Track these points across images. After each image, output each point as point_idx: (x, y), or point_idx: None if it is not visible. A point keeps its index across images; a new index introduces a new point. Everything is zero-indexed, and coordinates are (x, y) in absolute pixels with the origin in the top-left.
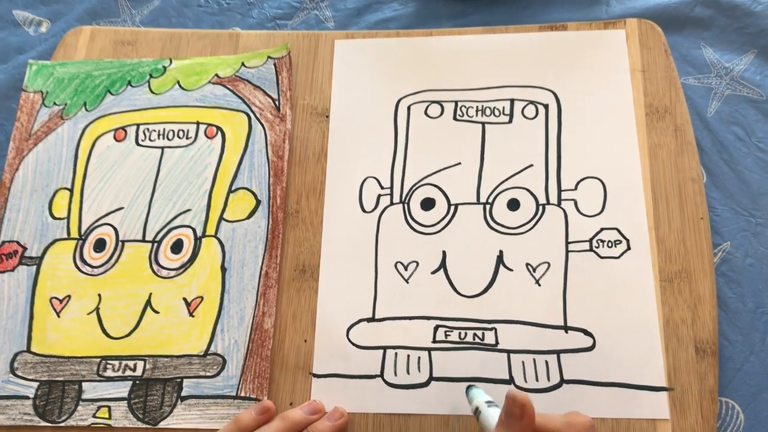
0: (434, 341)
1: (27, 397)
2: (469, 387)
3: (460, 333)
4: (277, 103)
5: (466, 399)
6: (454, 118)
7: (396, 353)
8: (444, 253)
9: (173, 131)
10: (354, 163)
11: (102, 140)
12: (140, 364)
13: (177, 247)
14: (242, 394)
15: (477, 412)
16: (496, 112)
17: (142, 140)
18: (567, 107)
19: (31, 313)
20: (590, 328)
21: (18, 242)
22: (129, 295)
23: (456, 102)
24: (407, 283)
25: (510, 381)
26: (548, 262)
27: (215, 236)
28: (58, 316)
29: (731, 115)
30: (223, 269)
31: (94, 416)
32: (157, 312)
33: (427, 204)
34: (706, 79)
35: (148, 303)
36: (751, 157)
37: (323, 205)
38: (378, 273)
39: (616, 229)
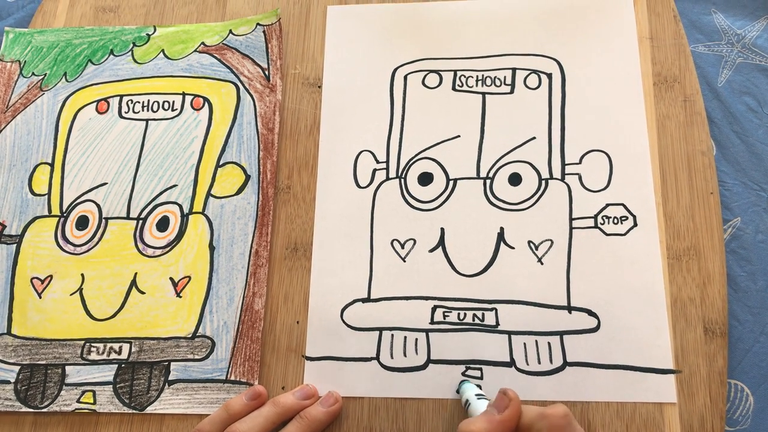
0: (432, 322)
1: (8, 382)
2: (461, 382)
3: (459, 314)
4: (266, 72)
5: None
6: (453, 89)
7: (392, 335)
8: (442, 230)
9: (158, 102)
10: (348, 136)
11: (83, 112)
12: (126, 346)
13: (163, 224)
14: (232, 378)
15: (467, 404)
16: (497, 82)
17: (126, 112)
18: (571, 76)
19: (11, 294)
20: (595, 309)
21: None
22: (113, 275)
23: (455, 71)
24: (404, 261)
25: (511, 363)
26: (551, 240)
27: (203, 213)
28: (40, 297)
29: (743, 84)
30: (212, 247)
31: (78, 401)
32: (142, 292)
33: (425, 179)
34: (717, 47)
35: (134, 283)
36: (763, 128)
37: (316, 180)
38: (373, 251)
39: (623, 204)
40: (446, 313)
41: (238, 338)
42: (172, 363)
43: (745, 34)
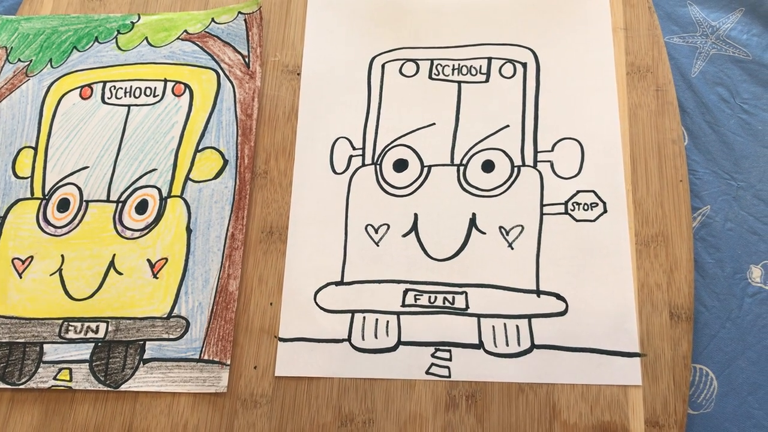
0: (403, 305)
1: None
2: None
3: (429, 297)
4: (246, 60)
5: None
6: (430, 77)
7: (364, 317)
8: (416, 215)
9: (140, 89)
10: (325, 123)
11: (68, 98)
12: (102, 326)
13: (142, 207)
14: (205, 358)
15: None
16: (473, 71)
17: (109, 98)
18: (546, 66)
19: None
20: (563, 293)
21: None
22: (92, 256)
23: (432, 60)
24: (377, 246)
25: (479, 345)
26: (522, 225)
27: (181, 197)
28: (20, 277)
29: (716, 75)
30: (189, 230)
31: (54, 378)
32: (120, 273)
33: (400, 165)
34: (691, 38)
35: (112, 264)
36: (734, 118)
37: (293, 166)
38: (348, 236)
39: (593, 191)
40: (417, 297)
41: (212, 319)
42: (147, 342)
43: (719, 26)
